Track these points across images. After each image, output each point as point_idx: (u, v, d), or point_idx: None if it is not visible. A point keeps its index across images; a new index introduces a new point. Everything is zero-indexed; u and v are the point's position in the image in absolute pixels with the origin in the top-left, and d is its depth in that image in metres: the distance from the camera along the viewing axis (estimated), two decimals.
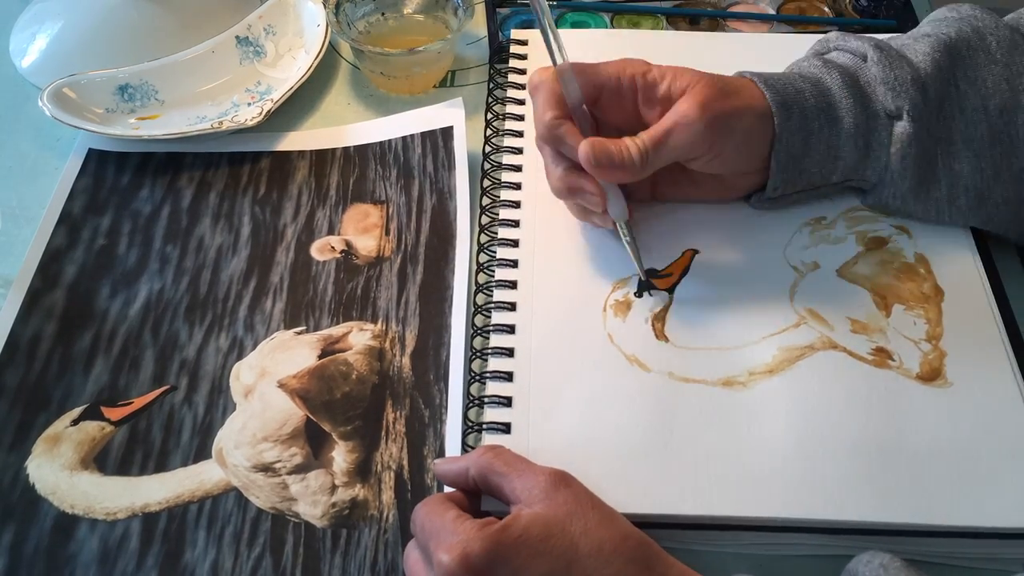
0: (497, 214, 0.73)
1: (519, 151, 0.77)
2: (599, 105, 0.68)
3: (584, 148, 0.64)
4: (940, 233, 0.71)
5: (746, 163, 0.69)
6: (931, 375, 0.64)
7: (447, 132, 0.81)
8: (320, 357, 0.68)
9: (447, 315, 0.70)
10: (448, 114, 0.82)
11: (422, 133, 0.82)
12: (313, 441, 0.64)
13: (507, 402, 0.63)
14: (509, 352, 0.65)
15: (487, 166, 0.77)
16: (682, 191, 0.73)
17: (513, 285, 0.69)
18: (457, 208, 0.76)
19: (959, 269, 0.69)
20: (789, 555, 0.59)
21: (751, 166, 0.69)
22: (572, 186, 0.67)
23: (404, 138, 0.82)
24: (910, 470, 0.59)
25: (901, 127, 0.67)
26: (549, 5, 0.91)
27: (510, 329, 0.67)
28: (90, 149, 0.82)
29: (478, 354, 0.66)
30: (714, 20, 0.92)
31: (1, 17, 0.95)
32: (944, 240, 0.71)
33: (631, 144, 0.64)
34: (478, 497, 0.58)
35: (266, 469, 0.63)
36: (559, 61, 0.66)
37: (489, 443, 0.61)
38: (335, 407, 0.65)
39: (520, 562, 0.50)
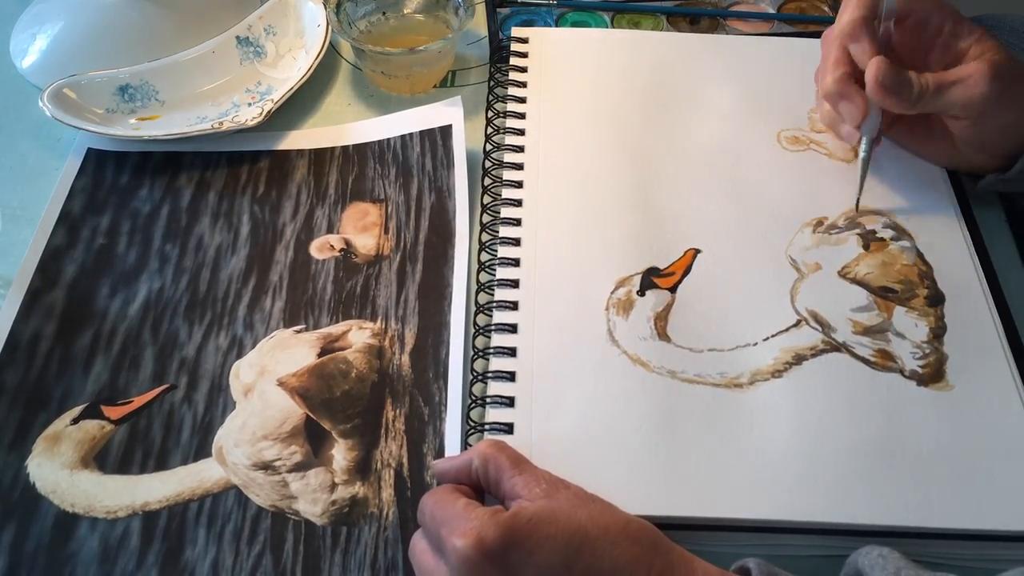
0: (498, 213, 0.74)
1: (520, 149, 0.77)
2: (899, 27, 0.71)
3: (875, 64, 0.68)
4: (941, 235, 0.72)
5: (1000, 145, 0.71)
6: (932, 378, 0.64)
7: (446, 131, 0.81)
8: (319, 355, 0.68)
9: (446, 313, 0.70)
10: (447, 112, 0.82)
11: (421, 132, 0.82)
12: (313, 439, 0.64)
13: (509, 402, 0.63)
14: (511, 352, 0.66)
15: (488, 165, 0.77)
16: (914, 141, 0.77)
17: (515, 284, 0.69)
18: (456, 206, 0.76)
19: (959, 272, 0.70)
20: (789, 556, 0.59)
21: (1002, 149, 0.72)
22: (843, 92, 0.71)
23: (403, 137, 0.82)
24: (911, 472, 0.59)
25: None
26: (550, 5, 0.92)
27: (512, 328, 0.67)
28: (89, 149, 0.82)
29: (480, 353, 0.66)
30: (714, 20, 0.92)
31: (1, 17, 0.95)
32: (945, 242, 0.71)
33: (915, 79, 0.68)
34: (482, 492, 0.58)
35: (266, 467, 0.63)
36: None
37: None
38: (335, 405, 0.65)
39: (533, 545, 0.51)
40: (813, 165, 0.77)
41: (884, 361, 0.65)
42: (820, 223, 0.73)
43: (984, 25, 0.70)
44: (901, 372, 0.64)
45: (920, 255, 0.70)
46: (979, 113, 0.68)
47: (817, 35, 0.88)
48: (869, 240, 0.71)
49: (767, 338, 0.66)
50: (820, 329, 0.66)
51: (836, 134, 0.76)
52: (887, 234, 0.72)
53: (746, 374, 0.64)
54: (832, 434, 0.61)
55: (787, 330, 0.66)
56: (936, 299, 0.68)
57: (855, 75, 0.71)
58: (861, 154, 0.72)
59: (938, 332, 0.66)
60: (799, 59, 0.85)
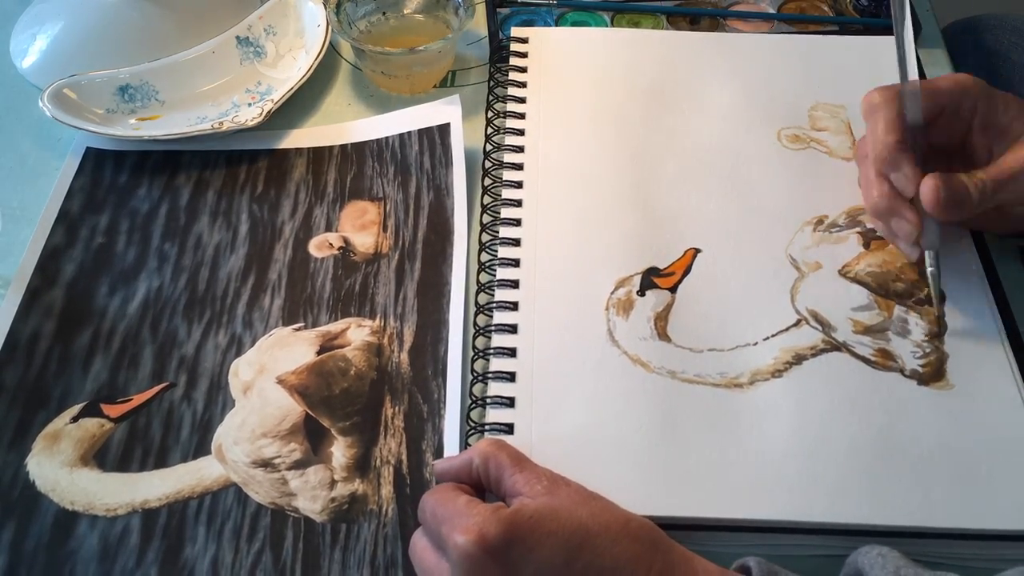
0: (498, 213, 0.74)
1: (520, 149, 0.77)
2: (933, 126, 0.67)
3: (929, 186, 0.63)
4: (941, 235, 0.71)
5: None
6: (933, 377, 0.64)
7: (444, 129, 0.81)
8: (318, 353, 0.68)
9: (445, 311, 0.70)
10: (445, 111, 0.82)
11: (419, 130, 0.82)
12: (312, 437, 0.64)
13: (510, 402, 0.63)
14: (511, 352, 0.66)
15: (488, 165, 0.77)
16: (984, 223, 0.71)
17: (515, 284, 0.69)
18: (455, 205, 0.76)
19: (960, 271, 0.70)
20: (789, 556, 0.59)
21: None
22: (893, 209, 0.67)
23: (401, 135, 0.82)
24: (912, 472, 0.59)
25: None
26: (550, 5, 0.92)
27: (512, 329, 0.67)
28: (88, 148, 0.82)
29: (480, 354, 0.66)
30: (714, 19, 0.92)
31: (1, 18, 0.95)
32: (945, 242, 0.71)
33: (970, 185, 0.63)
34: (482, 491, 0.58)
35: (265, 465, 0.63)
36: (910, 77, 0.65)
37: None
38: (334, 403, 0.65)
39: (534, 541, 0.51)
40: (814, 163, 0.77)
41: (884, 360, 0.65)
42: (820, 221, 0.73)
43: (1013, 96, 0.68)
44: (901, 371, 0.64)
45: (921, 254, 0.70)
46: None
47: (817, 34, 0.89)
48: (870, 238, 0.71)
49: (767, 338, 0.66)
50: (820, 328, 0.66)
51: (896, 246, 0.71)
52: None
53: (746, 374, 0.64)
54: (832, 434, 0.61)
55: (787, 330, 0.66)
56: (936, 298, 0.68)
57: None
58: (929, 270, 0.67)
59: (939, 331, 0.66)
60: (800, 58, 0.85)
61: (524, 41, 0.87)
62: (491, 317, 0.68)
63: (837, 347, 0.65)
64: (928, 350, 0.65)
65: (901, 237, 0.68)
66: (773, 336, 0.66)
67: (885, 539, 0.58)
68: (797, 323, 0.67)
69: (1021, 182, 0.64)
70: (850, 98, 0.81)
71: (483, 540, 0.50)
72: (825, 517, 0.58)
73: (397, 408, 0.65)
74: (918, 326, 0.66)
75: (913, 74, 0.65)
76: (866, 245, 0.71)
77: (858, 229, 0.72)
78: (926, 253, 0.67)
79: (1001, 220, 0.69)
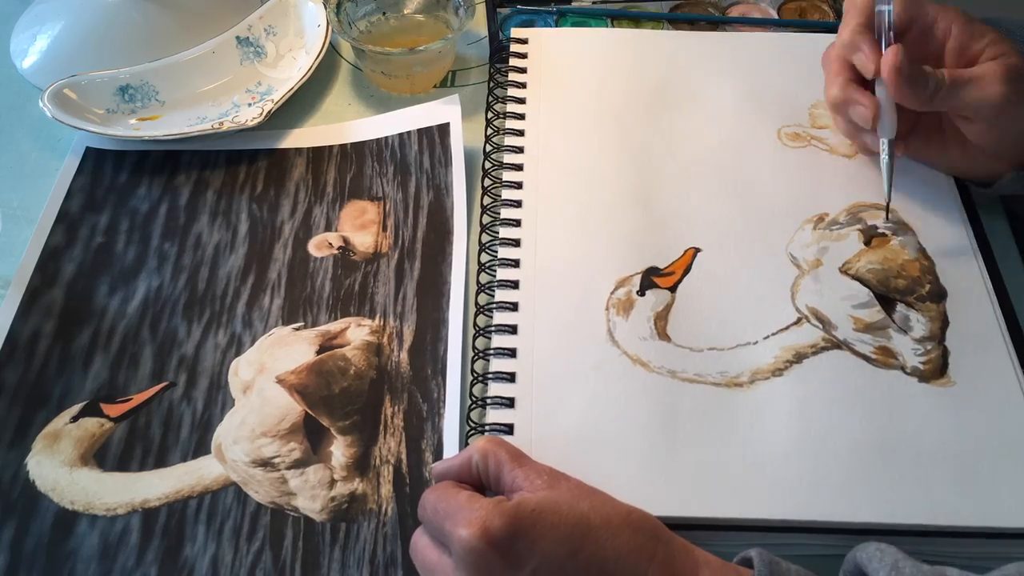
0: (498, 213, 0.73)
1: (520, 150, 0.77)
2: (904, 39, 0.69)
3: (892, 52, 0.66)
4: (943, 231, 0.72)
5: (1015, 150, 0.70)
6: (934, 374, 0.64)
7: (443, 129, 0.81)
8: (318, 353, 0.68)
9: (444, 310, 0.70)
10: (444, 111, 0.82)
11: (419, 130, 0.82)
12: (312, 436, 0.64)
13: (510, 403, 0.63)
14: (511, 352, 0.65)
15: (488, 165, 0.77)
16: (928, 151, 0.74)
17: (515, 285, 0.69)
18: (454, 204, 0.76)
19: (962, 267, 0.69)
20: (790, 555, 0.59)
21: (1018, 156, 0.71)
22: (849, 98, 0.70)
23: (401, 135, 0.82)
24: (913, 470, 0.59)
25: None
26: (549, 11, 0.92)
27: (512, 329, 0.67)
28: (87, 148, 0.82)
29: (480, 354, 0.66)
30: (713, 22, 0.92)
31: (2, 18, 0.95)
32: (947, 238, 0.71)
33: (931, 72, 0.66)
34: (482, 490, 0.58)
35: (265, 464, 0.63)
36: None
37: None
38: (333, 402, 0.65)
39: (537, 534, 0.51)
40: (814, 161, 0.77)
41: (885, 358, 0.65)
42: (821, 219, 0.72)
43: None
44: (902, 369, 0.64)
45: (922, 250, 0.70)
46: (994, 114, 0.67)
47: (818, 33, 0.89)
48: (870, 235, 0.71)
49: (767, 336, 0.66)
50: (821, 327, 0.66)
51: (860, 145, 0.76)
52: (888, 229, 0.71)
53: (746, 373, 0.64)
54: (833, 432, 0.61)
55: (787, 328, 0.66)
56: (938, 295, 0.68)
57: (859, 81, 0.70)
58: (883, 158, 0.70)
59: (940, 328, 0.66)
60: (799, 56, 0.85)
61: (524, 41, 0.86)
62: (491, 317, 0.68)
63: (838, 345, 0.65)
64: (929, 347, 0.65)
65: (860, 121, 0.70)
66: (773, 335, 0.66)
67: (887, 538, 0.58)
68: (797, 321, 0.67)
69: (977, 88, 0.66)
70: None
71: (487, 533, 0.51)
72: (826, 516, 0.58)
73: (397, 407, 0.65)
74: (919, 323, 0.66)
75: None
76: (867, 242, 0.71)
77: (859, 226, 0.72)
78: (881, 141, 0.70)
79: (958, 153, 0.72)
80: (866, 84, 0.70)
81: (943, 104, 0.67)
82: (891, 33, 0.69)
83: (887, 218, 0.72)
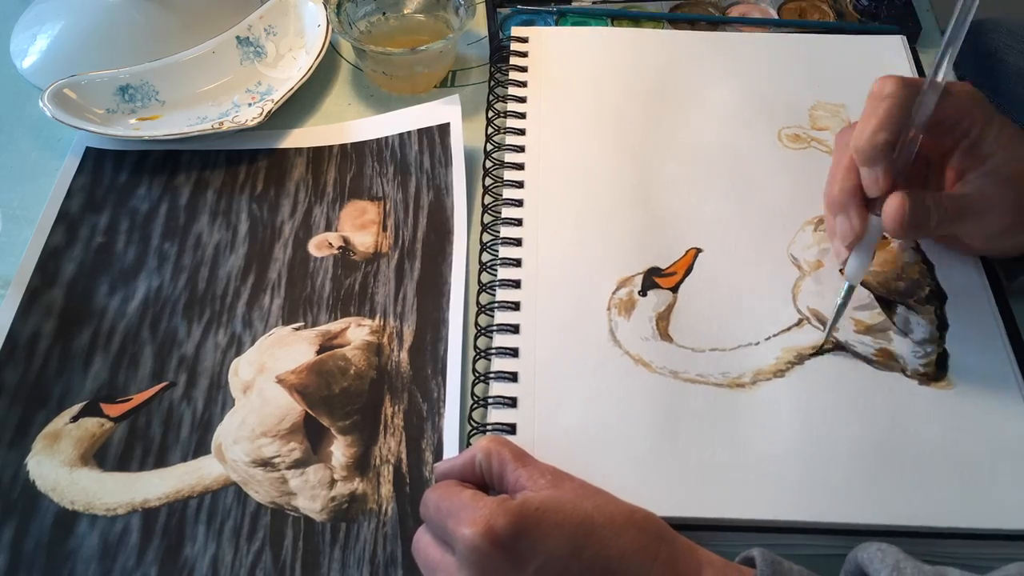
0: (499, 213, 0.73)
1: (521, 149, 0.77)
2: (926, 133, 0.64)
3: (899, 203, 0.60)
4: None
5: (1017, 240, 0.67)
6: (934, 376, 0.64)
7: (444, 129, 0.81)
8: (318, 352, 0.68)
9: (444, 310, 0.70)
10: (445, 111, 0.82)
11: (419, 130, 0.82)
12: (312, 436, 0.64)
13: (512, 402, 0.63)
14: (513, 352, 0.65)
15: (489, 165, 0.77)
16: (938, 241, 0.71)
17: (516, 285, 0.69)
18: (454, 204, 0.76)
19: (961, 271, 0.69)
20: (791, 555, 0.59)
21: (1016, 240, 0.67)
22: (845, 207, 0.64)
23: (401, 135, 0.82)
24: (913, 471, 0.59)
25: None
26: (548, 11, 0.92)
27: (514, 329, 0.67)
28: (87, 147, 0.82)
29: (482, 354, 0.66)
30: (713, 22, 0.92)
31: (2, 18, 0.95)
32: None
33: (934, 210, 0.61)
34: (485, 489, 0.58)
35: (265, 464, 0.63)
36: (942, 76, 0.61)
37: None
38: (333, 402, 0.65)
39: (541, 533, 0.51)
40: (814, 163, 0.77)
41: (886, 360, 0.65)
42: (822, 221, 0.72)
43: (1010, 119, 0.65)
44: (903, 371, 0.64)
45: (922, 253, 0.70)
46: (998, 229, 0.65)
47: (818, 33, 0.89)
48: None
49: (769, 337, 0.66)
50: (822, 328, 0.66)
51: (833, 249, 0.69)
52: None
53: (748, 374, 0.64)
54: (834, 433, 0.61)
55: (789, 329, 0.66)
56: (938, 297, 0.68)
57: (859, 190, 0.65)
58: (838, 299, 0.65)
59: (940, 330, 0.66)
60: (800, 57, 0.85)
61: (524, 41, 0.86)
62: (492, 317, 0.67)
63: (839, 347, 0.65)
64: (929, 350, 0.65)
65: (839, 236, 0.65)
66: (775, 336, 0.66)
67: (887, 539, 0.58)
68: (799, 323, 0.67)
69: (977, 219, 0.63)
70: (850, 97, 0.81)
71: (491, 531, 0.51)
72: (827, 517, 0.58)
73: (397, 407, 0.65)
74: (919, 326, 0.66)
75: (942, 73, 0.61)
76: None
77: None
78: (845, 284, 0.65)
79: (953, 242, 0.69)
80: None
81: (946, 232, 0.64)
82: (915, 133, 0.62)
83: (821, 351, 0.66)
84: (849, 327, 0.66)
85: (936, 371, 0.64)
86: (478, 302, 0.69)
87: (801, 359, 0.65)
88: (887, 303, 0.67)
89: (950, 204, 0.62)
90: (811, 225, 0.72)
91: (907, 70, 0.83)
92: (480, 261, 0.71)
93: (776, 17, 0.92)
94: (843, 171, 0.65)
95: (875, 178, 0.62)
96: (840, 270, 0.69)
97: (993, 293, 0.68)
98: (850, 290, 0.65)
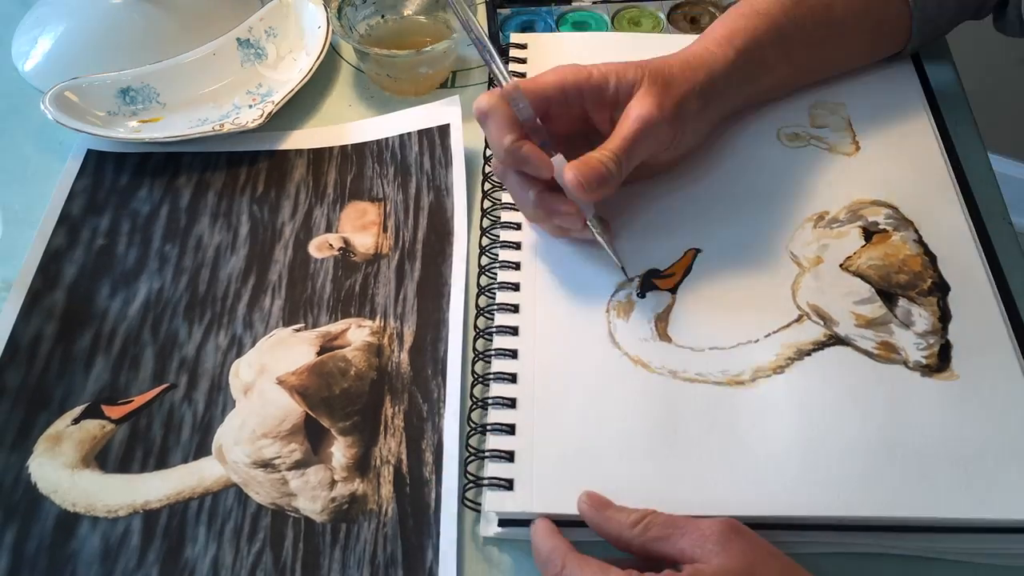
0: (498, 216, 0.73)
1: None
2: (548, 117, 0.68)
3: (571, 175, 0.64)
4: (944, 225, 0.71)
5: (699, 137, 0.73)
6: (937, 368, 0.63)
7: (444, 130, 0.81)
8: (319, 354, 0.68)
9: (444, 311, 0.70)
10: (445, 112, 0.82)
11: (419, 131, 0.82)
12: (312, 437, 0.64)
13: (511, 403, 0.63)
14: (513, 354, 0.65)
15: (488, 168, 0.77)
16: (642, 172, 0.71)
17: (516, 287, 0.69)
18: (454, 205, 0.76)
19: (963, 262, 0.69)
20: (794, 553, 0.59)
21: (699, 140, 0.74)
22: (550, 208, 0.67)
23: (401, 136, 0.82)
24: (917, 464, 0.59)
25: None
26: (548, 7, 0.92)
27: (513, 331, 0.66)
28: (89, 150, 0.83)
29: (481, 356, 0.66)
30: (714, 18, 0.92)
31: (3, 20, 0.95)
32: (948, 233, 0.71)
33: (605, 158, 0.65)
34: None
35: (266, 465, 0.63)
36: (504, 82, 0.68)
37: (493, 445, 0.60)
38: (334, 403, 0.65)
39: None
40: (814, 160, 0.76)
41: (887, 353, 0.64)
42: (821, 217, 0.72)
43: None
44: (905, 364, 0.64)
45: (923, 245, 0.70)
46: (671, 138, 0.69)
47: None
48: (871, 232, 0.71)
49: (769, 334, 0.66)
50: (822, 323, 0.66)
51: (571, 238, 0.71)
52: (889, 225, 0.71)
53: (748, 371, 0.64)
54: (836, 428, 0.61)
55: (789, 326, 0.66)
56: (940, 288, 0.68)
57: (548, 187, 0.67)
58: (599, 238, 0.68)
59: (942, 322, 0.66)
60: None
61: (524, 47, 0.86)
62: (491, 319, 0.68)
63: (839, 341, 0.65)
64: (932, 341, 0.65)
65: (571, 226, 0.68)
66: (775, 332, 0.66)
67: (891, 533, 0.58)
68: (799, 319, 0.66)
69: (643, 141, 0.66)
70: (850, 96, 0.81)
71: None
72: (830, 511, 0.57)
73: (397, 408, 0.65)
74: (921, 318, 0.66)
75: (504, 79, 0.68)
76: (867, 239, 0.70)
77: (859, 224, 0.71)
78: (589, 223, 0.68)
79: (656, 169, 0.73)
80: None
81: (631, 168, 0.67)
82: (539, 124, 0.67)
83: (626, 276, 0.69)
84: (850, 321, 0.66)
85: (939, 362, 0.64)
86: (477, 305, 0.69)
87: (801, 355, 0.64)
88: (888, 296, 0.67)
89: (614, 147, 0.65)
90: (810, 222, 0.72)
91: (907, 69, 0.83)
92: (479, 264, 0.71)
93: None
94: (521, 187, 0.68)
95: (535, 165, 0.66)
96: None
97: (995, 282, 0.68)
98: (600, 221, 0.68)
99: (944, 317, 0.66)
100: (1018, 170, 1.87)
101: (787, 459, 0.59)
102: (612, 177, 0.65)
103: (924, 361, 0.64)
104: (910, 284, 0.68)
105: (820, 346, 0.65)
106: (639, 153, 0.67)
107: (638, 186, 0.73)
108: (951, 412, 0.61)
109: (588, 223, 0.68)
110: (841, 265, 0.69)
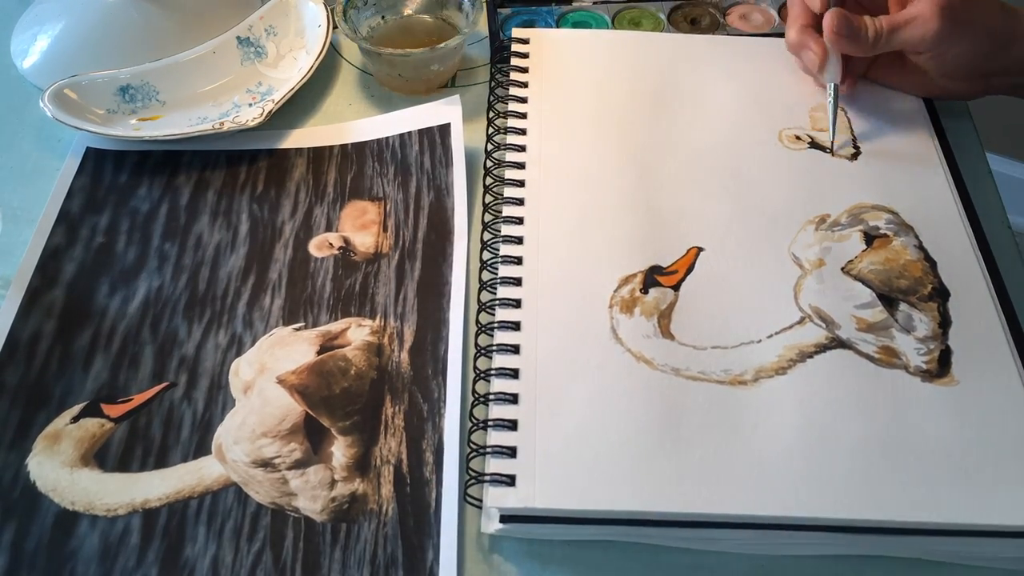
0: (500, 211, 0.73)
1: (522, 149, 0.77)
2: None
3: (829, 15, 0.75)
4: (943, 231, 0.71)
5: (963, 71, 0.78)
6: (937, 373, 0.64)
7: (444, 129, 0.81)
8: (319, 353, 0.68)
9: (445, 310, 0.70)
10: (445, 111, 0.82)
11: (419, 130, 0.82)
12: (312, 436, 0.64)
13: (513, 399, 0.63)
14: (515, 349, 0.65)
15: (489, 164, 0.77)
16: (893, 77, 0.82)
17: (518, 282, 0.69)
18: (455, 204, 0.76)
19: (962, 268, 0.69)
20: (793, 555, 0.59)
21: (967, 74, 0.78)
22: (803, 43, 0.79)
23: (402, 135, 0.82)
24: (917, 468, 0.59)
25: None
26: (548, 7, 0.92)
27: (515, 326, 0.66)
28: (88, 148, 0.82)
29: (482, 351, 0.66)
30: (715, 19, 0.92)
31: (2, 18, 0.95)
32: (948, 238, 0.71)
33: (869, 23, 0.75)
34: None
35: (265, 464, 0.63)
36: None
37: (495, 440, 0.60)
38: (334, 402, 0.65)
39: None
40: (815, 163, 0.77)
41: (888, 357, 0.64)
42: (823, 220, 0.72)
43: None
44: (906, 368, 0.64)
45: (924, 250, 0.70)
46: (935, 47, 0.75)
47: None
48: (872, 236, 0.71)
49: (771, 335, 0.66)
50: (824, 326, 0.66)
51: (814, 79, 0.82)
52: (890, 230, 0.71)
53: (750, 371, 0.64)
54: (837, 431, 0.61)
55: (791, 327, 0.66)
56: (940, 294, 0.68)
57: (816, 25, 0.78)
58: (828, 99, 0.78)
59: (942, 327, 0.66)
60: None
61: (525, 42, 0.86)
62: (493, 315, 0.67)
63: (841, 344, 0.65)
64: (932, 346, 0.65)
65: (809, 65, 0.80)
66: (777, 334, 0.66)
67: (890, 536, 0.58)
68: (801, 321, 0.66)
69: (912, 30, 0.74)
70: (850, 99, 0.81)
71: None
72: (829, 514, 0.57)
73: (397, 407, 0.65)
74: (922, 323, 0.66)
75: None
76: (868, 243, 0.70)
77: (860, 227, 0.72)
78: (828, 86, 0.79)
79: (916, 76, 0.80)
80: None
81: (886, 48, 0.76)
82: None
83: (832, 152, 0.78)
84: (851, 325, 0.66)
85: (939, 368, 0.64)
86: (479, 300, 0.69)
87: (803, 357, 0.65)
88: (889, 301, 0.67)
89: (885, 20, 0.75)
90: (812, 224, 0.72)
91: None
92: (481, 259, 0.71)
93: (777, 18, 0.92)
94: (794, 16, 0.80)
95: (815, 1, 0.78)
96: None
97: (994, 288, 0.68)
98: (835, 88, 0.79)
99: (944, 323, 0.66)
100: (1018, 170, 1.87)
101: (788, 460, 0.59)
102: (862, 40, 0.75)
103: (925, 366, 0.64)
104: (911, 289, 0.68)
105: (822, 349, 0.65)
106: (901, 39, 0.75)
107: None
108: (951, 417, 0.61)
109: (826, 83, 0.79)
110: (842, 269, 0.69)
